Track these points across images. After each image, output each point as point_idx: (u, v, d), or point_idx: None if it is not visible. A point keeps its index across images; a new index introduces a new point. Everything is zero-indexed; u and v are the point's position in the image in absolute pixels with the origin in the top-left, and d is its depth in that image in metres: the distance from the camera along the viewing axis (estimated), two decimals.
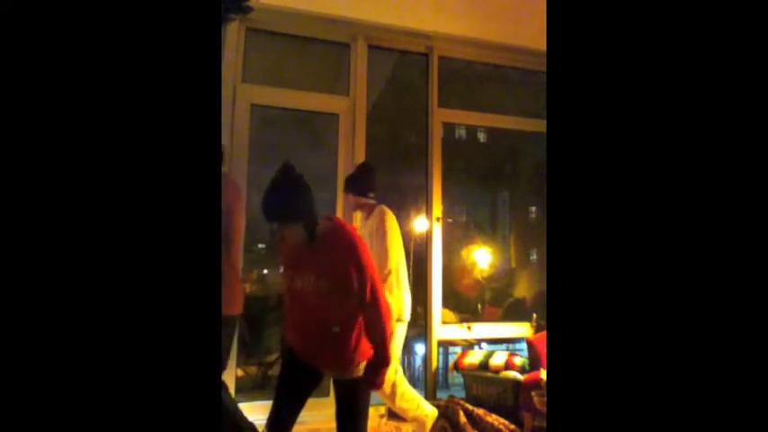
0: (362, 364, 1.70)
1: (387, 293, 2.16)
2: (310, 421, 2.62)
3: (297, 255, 1.64)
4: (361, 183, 2.62)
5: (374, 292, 1.60)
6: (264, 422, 1.76)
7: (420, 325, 3.37)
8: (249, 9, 2.46)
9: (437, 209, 3.30)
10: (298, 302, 1.70)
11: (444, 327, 3.30)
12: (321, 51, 3.34)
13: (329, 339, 1.66)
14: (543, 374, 2.59)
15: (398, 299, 2.43)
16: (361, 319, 1.66)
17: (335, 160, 3.17)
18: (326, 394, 2.61)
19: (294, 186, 1.55)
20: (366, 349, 1.69)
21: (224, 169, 2.37)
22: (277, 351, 4.07)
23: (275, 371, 3.54)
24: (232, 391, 2.75)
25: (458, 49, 3.46)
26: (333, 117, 3.21)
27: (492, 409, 2.73)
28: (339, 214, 3.08)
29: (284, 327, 1.86)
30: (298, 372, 1.77)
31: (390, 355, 1.70)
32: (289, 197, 1.53)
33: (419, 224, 3.65)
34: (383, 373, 1.68)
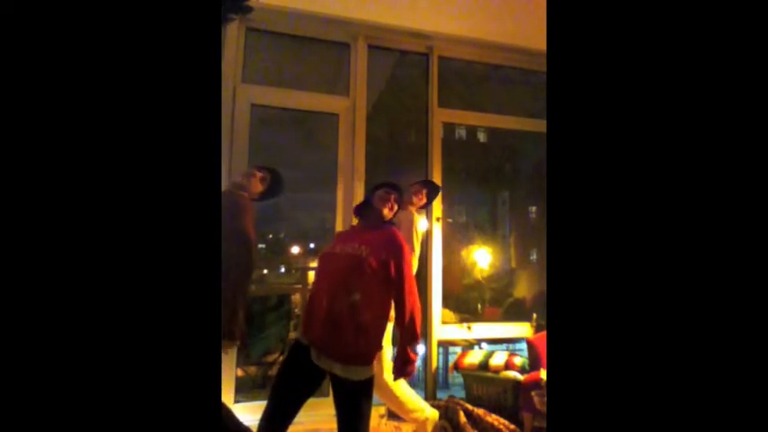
0: (373, 366, 1.73)
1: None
2: (310, 421, 2.62)
3: (359, 230, 1.96)
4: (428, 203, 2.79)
5: (405, 279, 1.79)
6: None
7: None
8: (249, 9, 2.46)
9: (437, 209, 3.30)
10: (330, 267, 1.83)
11: (444, 327, 3.29)
12: (321, 51, 3.34)
13: (351, 318, 1.69)
14: (543, 374, 2.59)
15: None
16: (383, 310, 1.79)
17: (335, 160, 3.17)
18: (326, 394, 2.61)
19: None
20: (380, 346, 1.80)
21: (244, 193, 2.22)
22: (277, 351, 4.07)
23: (275, 371, 3.54)
24: (232, 391, 2.75)
25: (458, 49, 3.46)
26: (333, 117, 3.21)
27: (492, 409, 2.73)
28: (339, 213, 3.09)
29: (304, 318, 1.88)
30: (300, 371, 1.77)
31: (419, 333, 1.82)
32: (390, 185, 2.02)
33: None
34: (412, 355, 1.78)
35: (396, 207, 1.98)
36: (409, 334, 1.78)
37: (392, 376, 1.95)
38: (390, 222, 1.97)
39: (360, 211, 2.03)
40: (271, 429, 1.72)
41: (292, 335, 4.20)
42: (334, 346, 1.71)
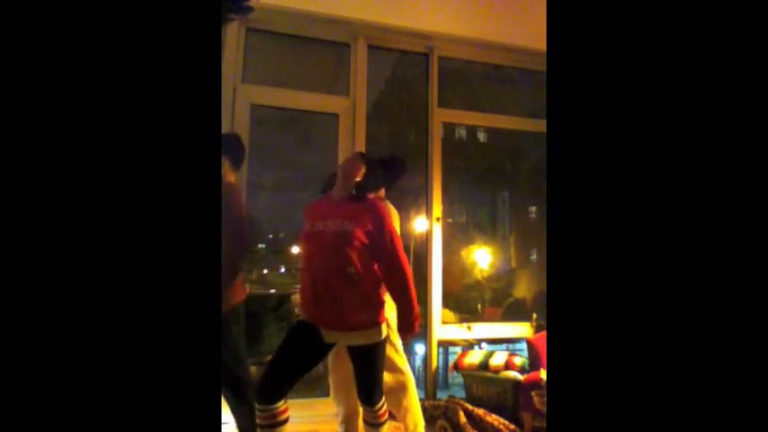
0: (382, 327, 1.82)
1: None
2: (310, 421, 2.62)
3: (334, 204, 1.89)
4: (391, 175, 2.48)
5: (394, 245, 1.82)
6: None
7: (420, 325, 3.36)
8: (249, 9, 2.46)
9: (437, 209, 3.30)
10: (318, 246, 1.82)
11: (444, 327, 3.29)
12: (321, 51, 3.34)
13: (349, 292, 1.76)
14: (543, 374, 2.59)
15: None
16: (378, 277, 1.83)
17: (335, 160, 3.17)
18: (327, 394, 2.61)
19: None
20: (383, 309, 1.85)
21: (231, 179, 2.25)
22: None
23: None
24: None
25: (458, 49, 3.46)
26: (333, 117, 3.21)
27: (492, 409, 2.72)
28: None
29: (302, 299, 1.92)
30: (305, 346, 1.83)
31: (415, 299, 1.85)
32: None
33: (419, 224, 3.65)
34: (413, 317, 1.84)
35: (363, 170, 1.96)
36: (408, 295, 1.82)
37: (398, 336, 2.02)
38: (364, 194, 1.94)
39: (330, 186, 2.01)
40: (266, 393, 1.75)
41: None
42: (338, 320, 1.79)
